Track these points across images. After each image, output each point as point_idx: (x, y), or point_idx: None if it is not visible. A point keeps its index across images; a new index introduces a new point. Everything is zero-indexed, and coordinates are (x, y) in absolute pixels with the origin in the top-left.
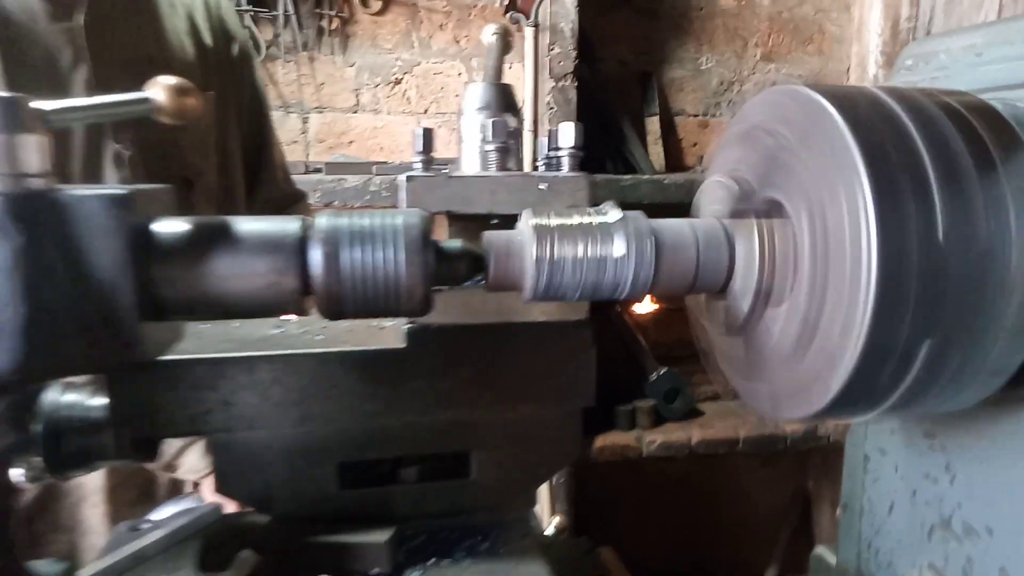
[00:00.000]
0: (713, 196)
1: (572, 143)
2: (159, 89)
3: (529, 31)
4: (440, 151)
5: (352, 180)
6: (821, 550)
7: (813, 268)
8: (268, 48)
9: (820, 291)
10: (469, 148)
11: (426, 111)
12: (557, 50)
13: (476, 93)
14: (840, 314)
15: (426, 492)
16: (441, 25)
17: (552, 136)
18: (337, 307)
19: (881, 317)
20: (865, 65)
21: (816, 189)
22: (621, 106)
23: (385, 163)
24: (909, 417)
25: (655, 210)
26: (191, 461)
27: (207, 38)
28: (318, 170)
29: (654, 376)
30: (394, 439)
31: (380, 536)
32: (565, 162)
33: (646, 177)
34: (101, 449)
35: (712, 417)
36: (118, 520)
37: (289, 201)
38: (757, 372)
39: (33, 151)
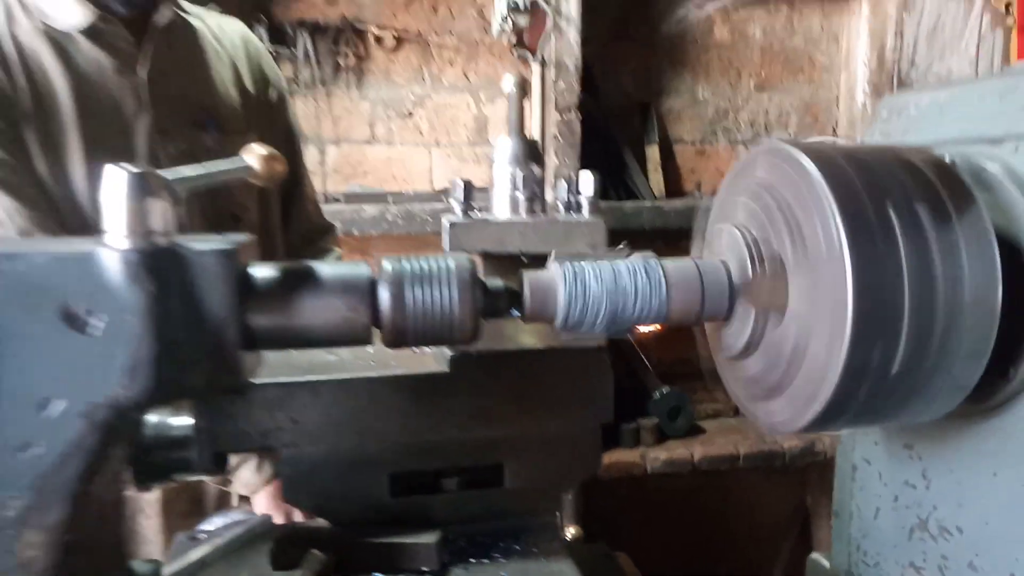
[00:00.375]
0: (716, 238)
1: (591, 191)
2: (254, 157)
3: (536, 67)
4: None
5: (369, 209)
6: (816, 556)
7: (800, 302)
8: (288, 84)
9: (807, 322)
10: (500, 194)
11: (437, 142)
12: (562, 84)
13: (506, 146)
14: (824, 340)
15: (465, 499)
16: (451, 61)
17: (571, 182)
18: (400, 338)
19: (858, 342)
20: (854, 93)
21: (802, 235)
22: (622, 135)
23: (400, 193)
24: (888, 428)
25: (656, 234)
26: (245, 476)
27: (249, 84)
28: (337, 200)
29: (657, 395)
30: (437, 452)
31: (429, 538)
32: (585, 207)
33: (647, 203)
34: (183, 463)
35: (713, 434)
36: (170, 530)
37: (319, 233)
38: (757, 391)
39: (158, 214)
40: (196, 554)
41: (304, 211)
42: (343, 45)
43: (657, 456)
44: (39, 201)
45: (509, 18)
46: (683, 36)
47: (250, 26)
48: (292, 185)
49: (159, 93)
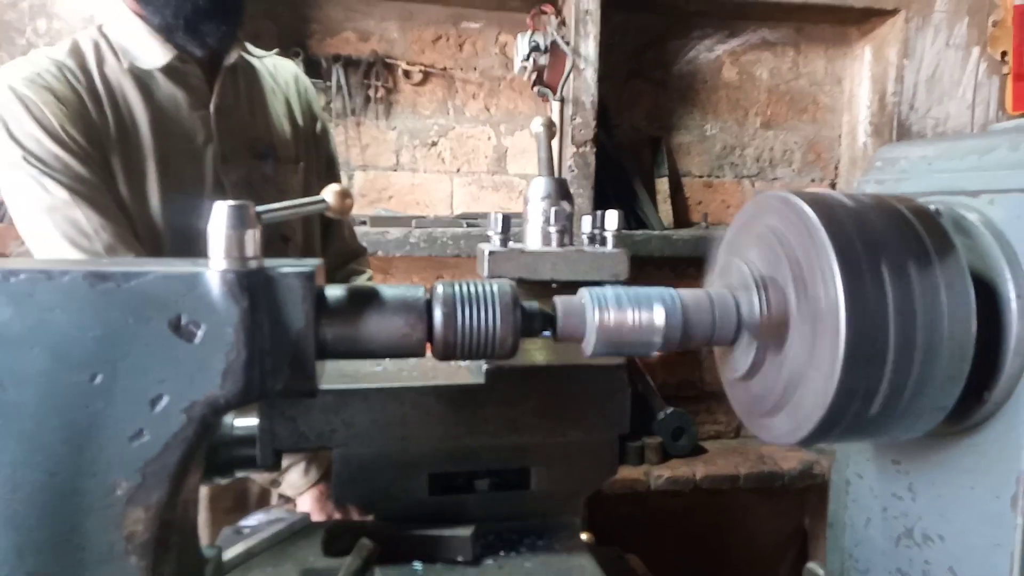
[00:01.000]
0: (725, 271)
1: (615, 226)
2: (330, 193)
3: (555, 104)
4: (471, 205)
5: (394, 232)
6: (812, 564)
7: (800, 329)
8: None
9: (805, 348)
10: (533, 227)
11: (459, 170)
12: (579, 120)
13: (539, 185)
14: (820, 365)
15: (495, 499)
16: (474, 95)
17: (596, 217)
18: (450, 352)
19: (849, 366)
20: (855, 133)
21: (801, 269)
22: (634, 168)
23: (423, 217)
24: (878, 444)
25: (664, 261)
26: (293, 478)
27: (299, 118)
28: (363, 223)
29: (661, 415)
30: (472, 456)
31: (464, 531)
32: (609, 241)
33: (656, 232)
34: (246, 460)
35: (715, 455)
36: (216, 525)
37: (353, 255)
38: (762, 409)
39: (252, 241)
40: (243, 545)
41: (341, 234)
42: (373, 78)
43: (660, 474)
44: (121, 219)
45: (531, 57)
46: (693, 76)
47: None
48: None
49: (224, 126)
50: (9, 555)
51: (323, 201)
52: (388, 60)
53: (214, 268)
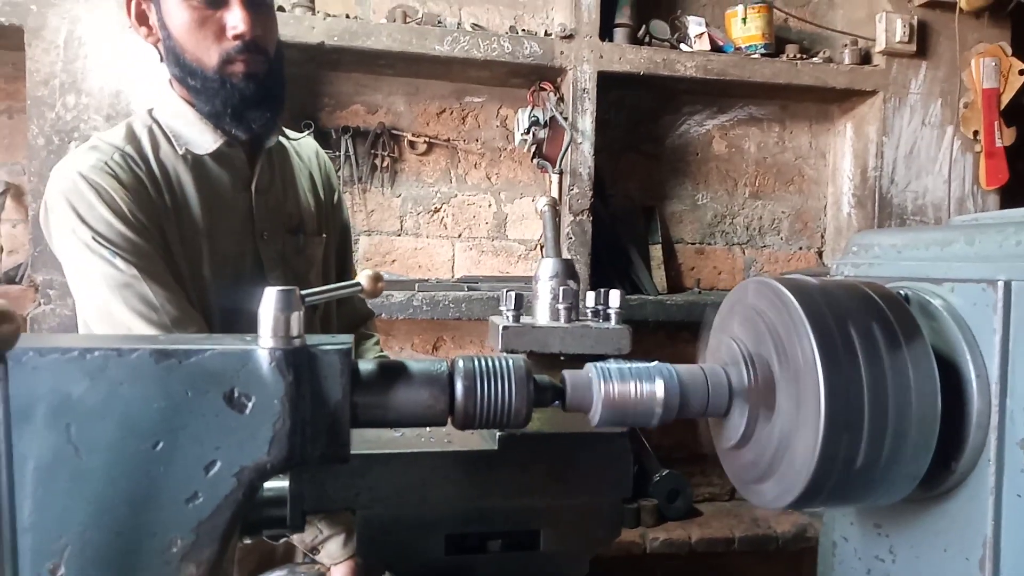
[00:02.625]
0: (717, 349)
1: (618, 304)
2: (365, 278)
3: (554, 176)
4: (471, 269)
5: (398, 295)
6: None
7: (785, 402)
8: None
9: (790, 420)
10: (542, 304)
11: (460, 235)
12: (576, 190)
13: (548, 265)
14: (804, 435)
15: (506, 559)
16: (476, 164)
17: (599, 295)
18: (469, 422)
19: (829, 437)
20: (840, 204)
21: (785, 349)
22: (629, 235)
23: (426, 280)
24: (859, 509)
25: (659, 325)
26: (332, 548)
27: (321, 192)
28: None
29: (657, 477)
30: (485, 518)
31: None
32: (613, 317)
33: (651, 297)
34: (275, 520)
35: (710, 517)
36: None
37: (362, 319)
38: (752, 476)
39: (296, 322)
40: None
41: (352, 300)
42: (380, 148)
43: (656, 536)
44: (182, 292)
45: (531, 131)
46: (685, 148)
47: (298, 130)
48: (344, 275)
49: (263, 205)
50: None
51: (358, 284)
52: (394, 131)
53: (263, 346)
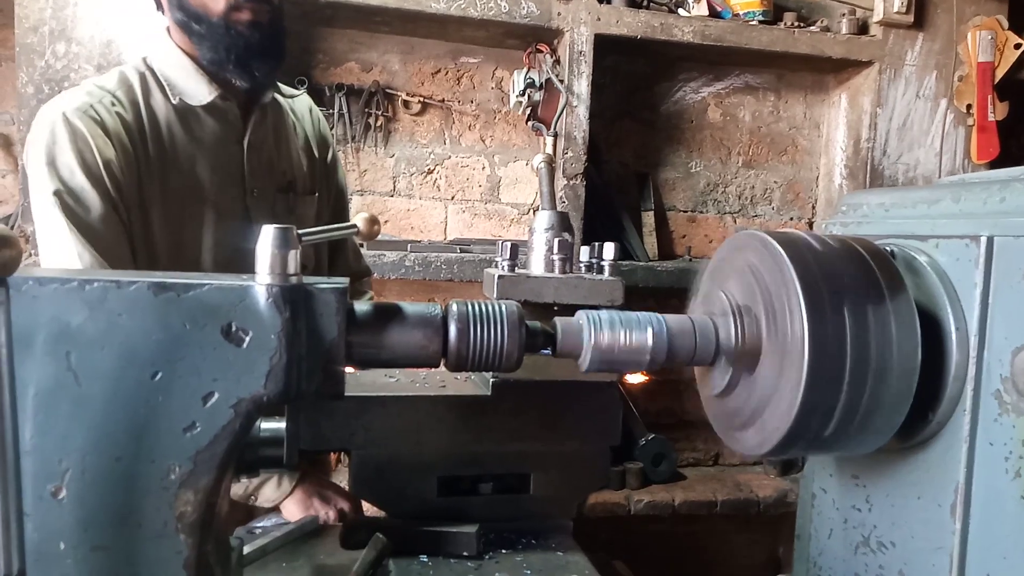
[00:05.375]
0: (706, 300)
1: (611, 257)
2: (361, 220)
3: (549, 139)
4: (463, 232)
5: (390, 255)
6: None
7: (770, 353)
8: None
9: (775, 367)
10: (537, 255)
11: (453, 197)
12: (570, 154)
13: (544, 218)
14: (787, 382)
15: (497, 501)
16: (470, 126)
17: (593, 248)
18: (462, 364)
19: (811, 386)
20: (832, 175)
21: (771, 300)
22: (621, 201)
23: (418, 242)
24: (837, 457)
25: (649, 292)
26: (267, 492)
27: (315, 150)
28: (360, 245)
29: (643, 441)
30: (477, 461)
31: (470, 529)
32: (607, 269)
33: (642, 263)
34: (272, 459)
35: (693, 481)
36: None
37: (357, 276)
38: (735, 423)
39: (293, 260)
40: (258, 543)
41: (346, 258)
42: (374, 107)
43: (641, 499)
44: (127, 261)
45: (526, 93)
46: (680, 116)
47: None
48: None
49: (254, 160)
50: (76, 529)
51: (355, 227)
52: (389, 90)
53: (260, 282)
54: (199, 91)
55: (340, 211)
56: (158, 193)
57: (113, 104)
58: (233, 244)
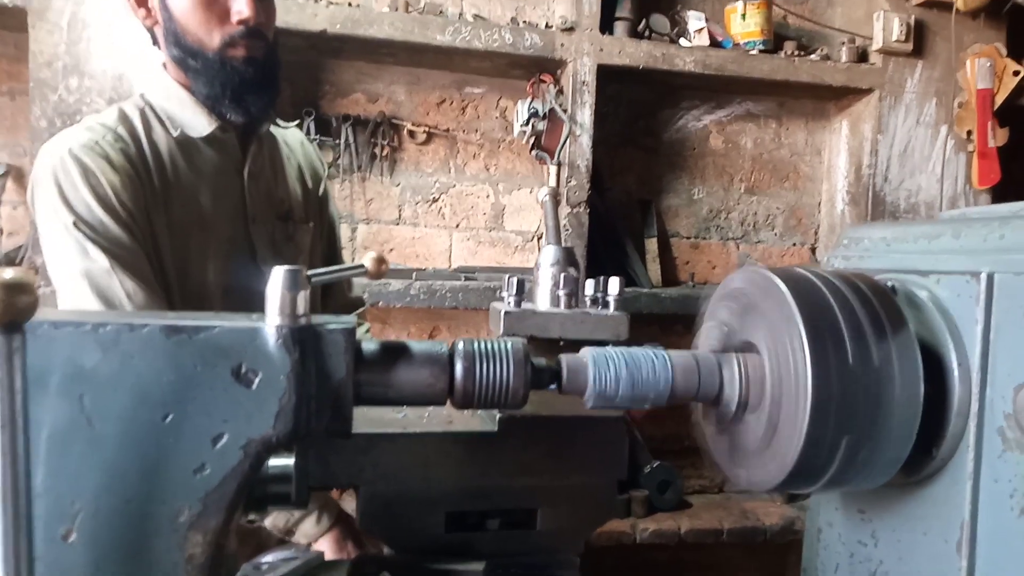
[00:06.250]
0: (709, 336)
1: (616, 292)
2: (368, 260)
3: (553, 168)
4: (468, 259)
5: (395, 284)
6: None
7: (774, 387)
8: (328, 168)
9: (778, 403)
10: (543, 290)
11: (458, 225)
12: (574, 182)
13: (550, 253)
14: (791, 418)
15: (504, 537)
16: (474, 155)
17: (599, 282)
18: (468, 401)
19: (814, 421)
20: (834, 201)
21: (775, 336)
22: (625, 228)
23: (423, 270)
24: (843, 494)
25: (653, 318)
26: (307, 527)
27: (308, 181)
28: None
29: (648, 468)
30: (484, 496)
31: (477, 566)
32: (611, 304)
33: (645, 290)
34: (280, 496)
35: (699, 509)
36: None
37: (350, 307)
38: (739, 459)
39: (302, 301)
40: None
41: (340, 289)
42: (380, 137)
43: (647, 527)
44: (155, 285)
45: (530, 123)
46: (682, 143)
47: (300, 118)
48: (329, 265)
49: (254, 190)
50: (86, 572)
51: (362, 266)
52: (394, 120)
53: (270, 323)
54: (198, 123)
55: (332, 242)
56: (164, 223)
57: (116, 140)
58: (236, 271)
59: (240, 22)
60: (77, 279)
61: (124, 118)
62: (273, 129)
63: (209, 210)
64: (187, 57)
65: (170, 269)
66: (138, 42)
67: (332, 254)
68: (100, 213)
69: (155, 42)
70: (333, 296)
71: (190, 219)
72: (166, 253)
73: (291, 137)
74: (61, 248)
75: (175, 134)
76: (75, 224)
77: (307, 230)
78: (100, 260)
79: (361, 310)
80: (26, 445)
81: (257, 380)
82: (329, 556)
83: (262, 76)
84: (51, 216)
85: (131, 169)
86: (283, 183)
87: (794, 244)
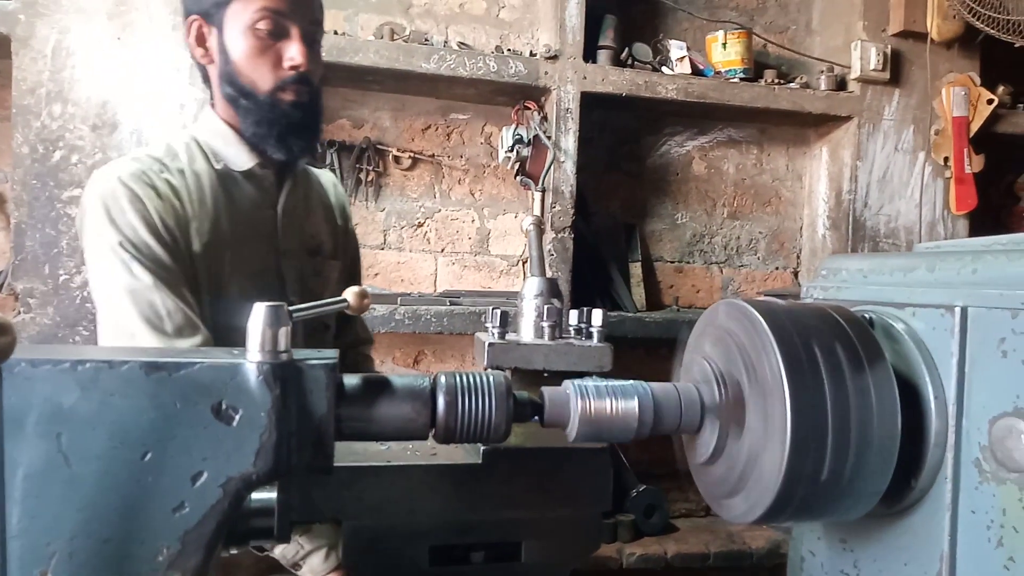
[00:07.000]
0: (690, 368)
1: (600, 323)
2: (350, 295)
3: (537, 194)
4: (454, 283)
5: (380, 309)
6: None
7: (754, 421)
8: None
9: (759, 437)
10: (527, 322)
11: (443, 250)
12: (558, 207)
13: (533, 284)
14: (771, 452)
15: (489, 571)
16: (459, 180)
17: (582, 313)
18: (450, 435)
19: (794, 454)
20: (815, 225)
21: (754, 369)
22: (609, 253)
23: (408, 294)
24: (825, 525)
25: (638, 342)
26: (315, 563)
27: (336, 219)
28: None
29: (634, 492)
30: (469, 529)
31: None
32: (595, 335)
33: (630, 314)
34: (262, 531)
35: (686, 533)
36: None
37: (361, 343)
38: (721, 490)
39: (284, 337)
40: None
41: (354, 326)
42: (365, 163)
43: (633, 551)
44: (193, 305)
45: (514, 149)
46: (665, 168)
47: None
48: None
49: (287, 225)
50: None
51: (344, 301)
52: (380, 146)
53: (251, 360)
54: (240, 158)
55: (356, 278)
56: (202, 252)
57: (162, 170)
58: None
59: (292, 68)
60: (121, 295)
61: (170, 150)
62: (310, 168)
63: (243, 241)
64: (239, 97)
65: (204, 294)
66: (124, 71)
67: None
68: (145, 235)
69: (205, 79)
70: (348, 331)
71: (225, 249)
72: (203, 278)
73: (324, 178)
74: (106, 267)
75: (217, 167)
76: (121, 244)
77: (335, 266)
78: (144, 278)
79: (370, 345)
80: (1, 486)
81: (238, 417)
82: None
83: (307, 119)
84: (98, 238)
85: (175, 198)
86: (315, 220)
87: (776, 268)
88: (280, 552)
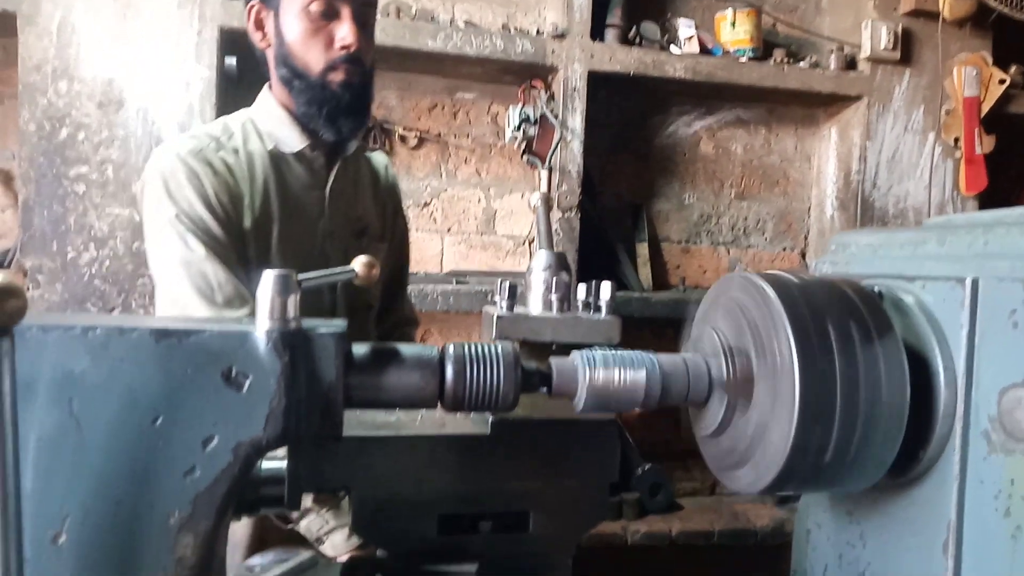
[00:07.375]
0: (698, 340)
1: (608, 296)
2: (358, 264)
3: (544, 173)
4: (460, 263)
5: None
6: None
7: (762, 392)
8: None
9: (766, 409)
10: (535, 295)
11: (449, 229)
12: (565, 187)
13: (542, 257)
14: (779, 423)
15: (496, 540)
16: (466, 159)
17: (590, 287)
18: (459, 404)
19: (803, 424)
20: (823, 207)
21: (763, 341)
22: (615, 233)
23: (415, 274)
24: (831, 496)
25: (644, 322)
26: (336, 539)
27: (386, 201)
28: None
29: (639, 471)
30: (477, 499)
31: (470, 567)
32: (604, 309)
33: (637, 295)
34: (272, 499)
35: (691, 511)
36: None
37: (407, 323)
38: (729, 462)
39: (293, 305)
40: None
41: (402, 306)
42: (372, 142)
43: (638, 529)
44: (243, 277)
45: (521, 128)
46: (673, 149)
47: None
48: (398, 284)
49: (334, 206)
50: (77, 572)
51: (352, 270)
52: (386, 125)
53: (260, 327)
54: (291, 140)
55: (402, 263)
56: (252, 229)
57: (218, 148)
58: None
59: (343, 48)
60: (176, 266)
61: (226, 129)
62: (360, 150)
63: (291, 220)
64: (293, 78)
65: (253, 269)
66: (130, 48)
67: (399, 275)
68: (200, 209)
69: (265, 63)
70: (395, 311)
71: (273, 227)
72: (252, 254)
73: (376, 160)
74: (163, 238)
75: (269, 147)
76: (177, 217)
77: (382, 248)
78: (198, 250)
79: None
80: (15, 450)
81: (248, 383)
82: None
83: (357, 100)
84: (156, 211)
85: (229, 175)
86: (363, 202)
87: (784, 249)
88: (305, 525)
